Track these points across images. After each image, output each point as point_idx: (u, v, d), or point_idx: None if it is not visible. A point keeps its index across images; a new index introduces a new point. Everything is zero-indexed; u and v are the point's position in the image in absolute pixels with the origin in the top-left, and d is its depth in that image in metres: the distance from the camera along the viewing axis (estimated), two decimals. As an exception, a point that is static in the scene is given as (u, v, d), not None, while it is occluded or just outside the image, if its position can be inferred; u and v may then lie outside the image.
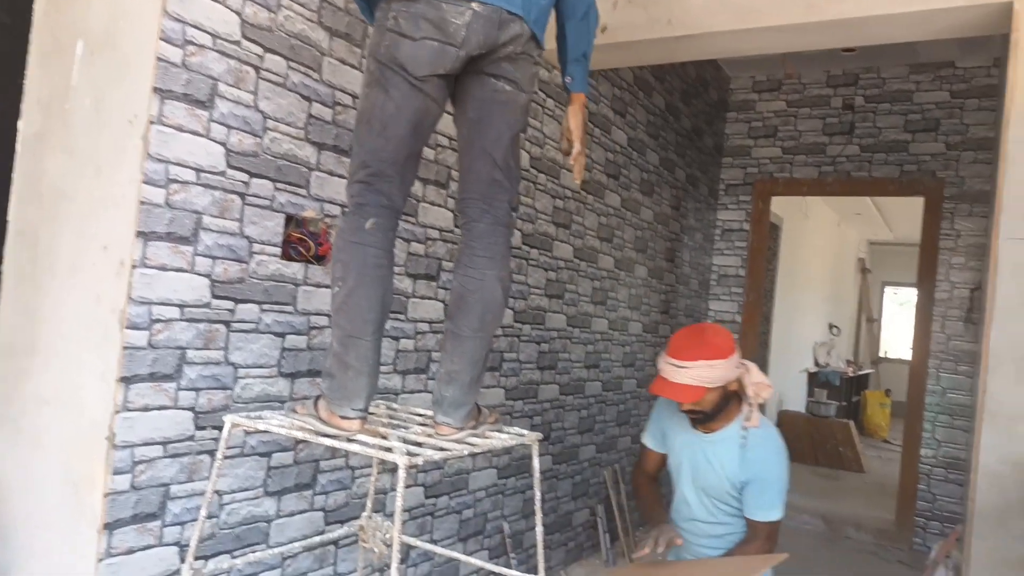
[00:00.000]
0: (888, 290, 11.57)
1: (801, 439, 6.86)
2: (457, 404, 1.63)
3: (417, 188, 2.50)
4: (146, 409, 1.73)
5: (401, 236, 2.45)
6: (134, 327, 1.69)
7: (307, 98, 2.06)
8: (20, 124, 1.87)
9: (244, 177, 1.90)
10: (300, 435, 1.55)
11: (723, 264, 5.31)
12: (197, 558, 1.84)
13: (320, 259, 2.10)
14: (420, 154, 1.64)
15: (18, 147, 1.87)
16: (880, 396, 8.72)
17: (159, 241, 1.72)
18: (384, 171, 1.54)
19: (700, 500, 2.13)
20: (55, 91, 1.82)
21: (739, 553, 2.06)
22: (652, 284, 4.40)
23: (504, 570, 1.89)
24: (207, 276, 1.83)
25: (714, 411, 2.02)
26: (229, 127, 1.85)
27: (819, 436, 6.81)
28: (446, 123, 2.21)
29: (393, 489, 2.47)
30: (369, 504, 2.05)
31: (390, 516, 2.43)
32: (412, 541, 2.03)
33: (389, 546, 2.02)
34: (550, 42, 1.84)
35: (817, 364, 8.18)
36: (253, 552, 1.95)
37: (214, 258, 1.85)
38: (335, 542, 2.26)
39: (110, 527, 1.68)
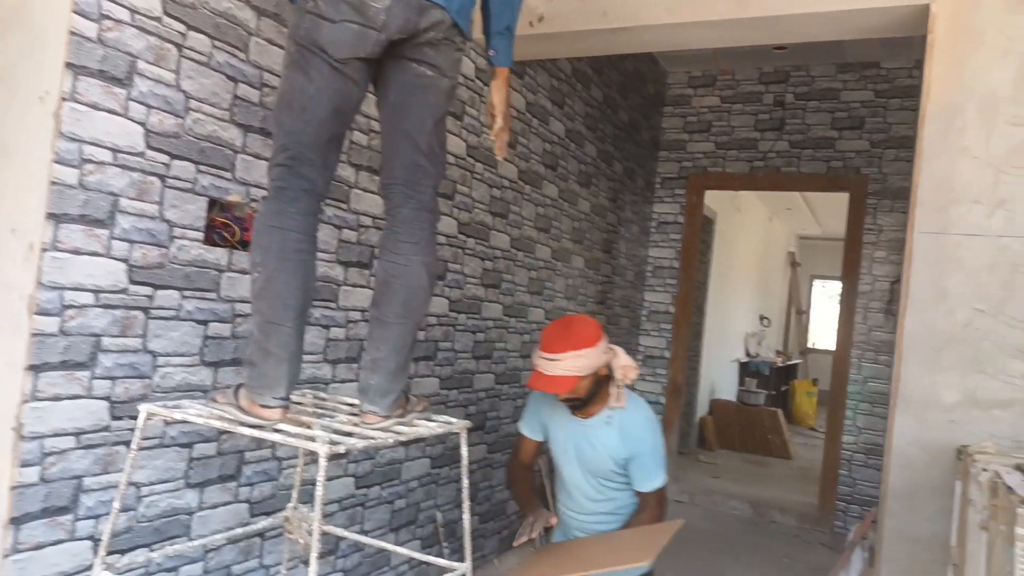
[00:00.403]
0: (817, 283, 11.98)
1: (731, 427, 7.06)
2: (383, 392, 1.61)
3: (350, 174, 2.46)
4: (57, 399, 1.66)
5: (332, 223, 2.41)
6: (44, 313, 1.61)
7: (233, 78, 1.99)
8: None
9: (164, 159, 1.83)
10: (219, 424, 1.51)
11: (658, 256, 5.40)
12: (113, 552, 1.78)
13: (245, 244, 2.05)
14: (343, 137, 1.61)
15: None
16: (808, 385, 9.04)
17: (72, 224, 1.64)
18: (305, 154, 1.51)
19: (588, 481, 2.24)
20: (-42, 64, 1.72)
21: (635, 523, 2.19)
22: (589, 275, 4.44)
23: (431, 558, 1.89)
24: (124, 261, 1.76)
25: (589, 397, 2.14)
26: (149, 106, 1.78)
27: (749, 424, 7.02)
28: (378, 108, 2.18)
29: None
30: (295, 495, 2.01)
31: (319, 507, 2.40)
32: (338, 531, 2.00)
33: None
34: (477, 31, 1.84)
35: (748, 354, 8.42)
36: (172, 545, 1.89)
37: (132, 242, 1.78)
38: (261, 534, 2.22)
39: (17, 521, 1.61)
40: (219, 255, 2.00)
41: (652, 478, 2.18)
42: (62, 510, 1.69)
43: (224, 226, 1.98)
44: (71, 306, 1.66)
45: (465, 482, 1.79)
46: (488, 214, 3.29)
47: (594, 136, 4.35)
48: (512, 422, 3.66)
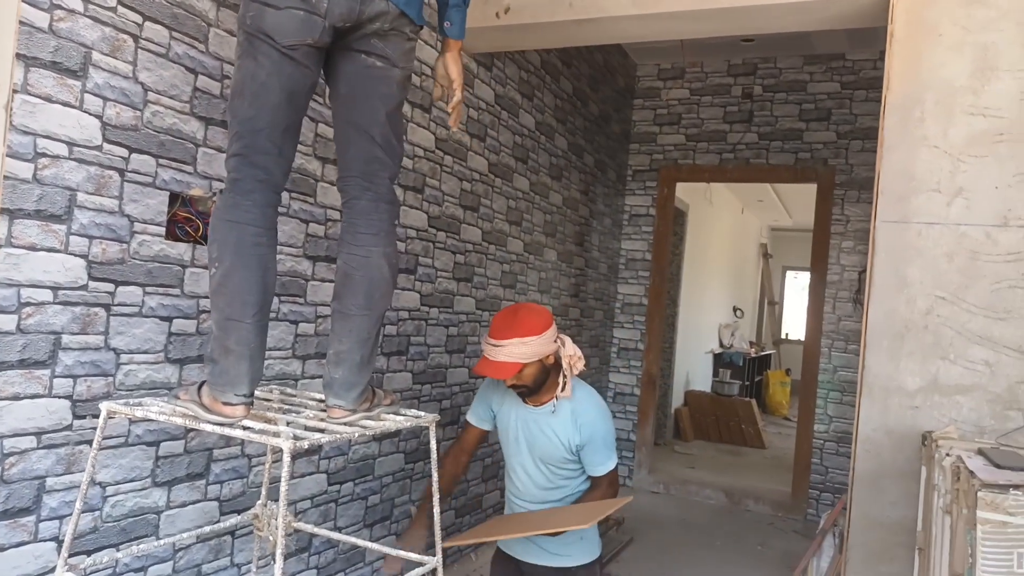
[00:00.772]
0: (789, 274, 12.13)
1: (706, 417, 7.13)
2: (348, 385, 1.60)
3: (316, 168, 2.44)
4: (16, 398, 1.63)
5: (299, 217, 2.38)
6: (1, 311, 1.58)
7: (192, 70, 1.97)
8: None
9: (123, 152, 1.80)
10: (181, 422, 1.49)
11: (631, 248, 5.43)
12: (78, 553, 1.76)
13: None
14: (298, 126, 1.59)
15: None
16: (781, 375, 9.15)
17: (27, 219, 1.61)
18: (260, 143, 1.49)
19: (539, 468, 2.27)
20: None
21: (586, 500, 2.23)
22: (562, 268, 4.45)
23: (402, 553, 1.88)
24: (83, 257, 1.73)
25: (536, 385, 2.16)
26: (105, 99, 1.75)
27: (723, 414, 7.10)
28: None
29: (292, 477, 2.42)
30: (264, 492, 1.99)
31: (288, 504, 2.38)
32: (308, 528, 1.99)
33: (287, 534, 1.98)
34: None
35: (722, 345, 8.51)
36: (139, 544, 1.86)
37: (91, 238, 1.75)
38: (231, 532, 2.20)
39: (-24, 524, 1.58)
40: (182, 250, 1.97)
41: (605, 462, 2.22)
42: (24, 511, 1.66)
43: (187, 221, 1.95)
44: (28, 303, 1.63)
45: (435, 475, 1.79)
46: (459, 207, 3.28)
47: (564, 129, 4.35)
48: (486, 416, 3.66)
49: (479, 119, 3.40)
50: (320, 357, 2.50)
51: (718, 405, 7.18)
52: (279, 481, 2.33)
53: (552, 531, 2.00)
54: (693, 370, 7.58)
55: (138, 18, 1.81)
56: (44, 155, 1.63)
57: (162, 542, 1.80)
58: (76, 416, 1.75)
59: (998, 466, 1.66)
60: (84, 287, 1.74)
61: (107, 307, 1.80)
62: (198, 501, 2.09)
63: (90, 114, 1.72)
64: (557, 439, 2.21)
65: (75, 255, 1.72)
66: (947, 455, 1.84)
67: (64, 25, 1.65)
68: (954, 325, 2.26)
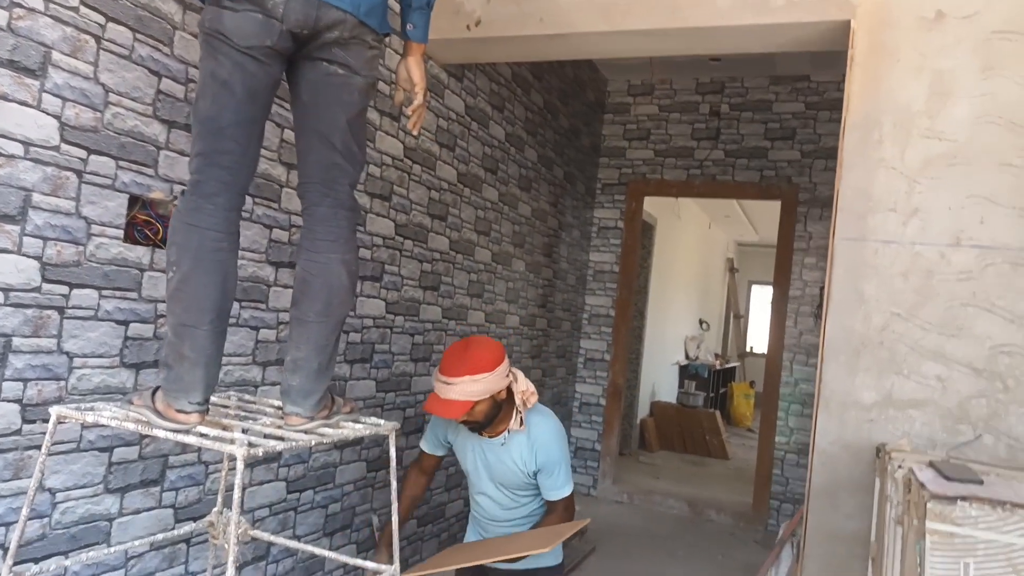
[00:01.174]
0: (755, 288, 12.30)
1: (671, 428, 7.19)
2: (305, 393, 1.59)
3: (280, 173, 2.42)
4: (-38, 401, 1.59)
5: (262, 222, 2.36)
6: (-52, 312, 1.54)
7: (156, 73, 1.94)
8: None
9: (81, 153, 1.77)
10: (133, 428, 1.46)
11: (599, 260, 5.47)
12: (24, 561, 1.71)
13: (170, 243, 1.99)
14: (262, 128, 1.58)
15: None
16: (745, 388, 9.27)
17: (-21, 219, 1.58)
18: (223, 144, 1.48)
19: (500, 491, 2.29)
20: None
21: (544, 524, 2.25)
22: (530, 278, 4.47)
23: (359, 562, 1.87)
24: (37, 258, 1.70)
25: (487, 420, 2.15)
26: (64, 99, 1.72)
27: (688, 425, 7.16)
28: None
29: (250, 484, 2.39)
30: (220, 499, 1.96)
31: (244, 512, 2.35)
32: (265, 536, 1.96)
33: (244, 543, 1.95)
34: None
35: (688, 357, 8.59)
36: (88, 552, 1.83)
37: (45, 239, 1.71)
38: (186, 540, 2.16)
39: (-83, 531, 1.53)
40: (140, 253, 1.94)
41: (560, 488, 2.23)
42: (-32, 518, 1.62)
43: (146, 224, 1.93)
44: (-22, 305, 1.59)
45: (394, 483, 1.78)
46: (426, 216, 3.28)
47: (535, 141, 4.38)
48: (450, 425, 3.65)
49: (448, 129, 3.41)
50: (280, 364, 2.48)
51: (683, 416, 7.24)
52: (240, 489, 2.31)
53: (513, 556, 2.01)
54: (659, 381, 7.64)
55: (101, 19, 1.79)
56: (-1, 154, 1.60)
57: (113, 549, 1.77)
58: (25, 420, 1.71)
59: (948, 478, 1.70)
60: (37, 289, 1.71)
61: (60, 310, 1.77)
62: (152, 508, 2.05)
63: (48, 114, 1.69)
64: (515, 466, 2.22)
65: (28, 256, 1.68)
66: (899, 467, 1.88)
67: (23, 24, 1.62)
68: (908, 341, 2.31)
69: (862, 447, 2.34)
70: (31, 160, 1.67)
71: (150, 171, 1.95)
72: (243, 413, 1.77)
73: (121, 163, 1.87)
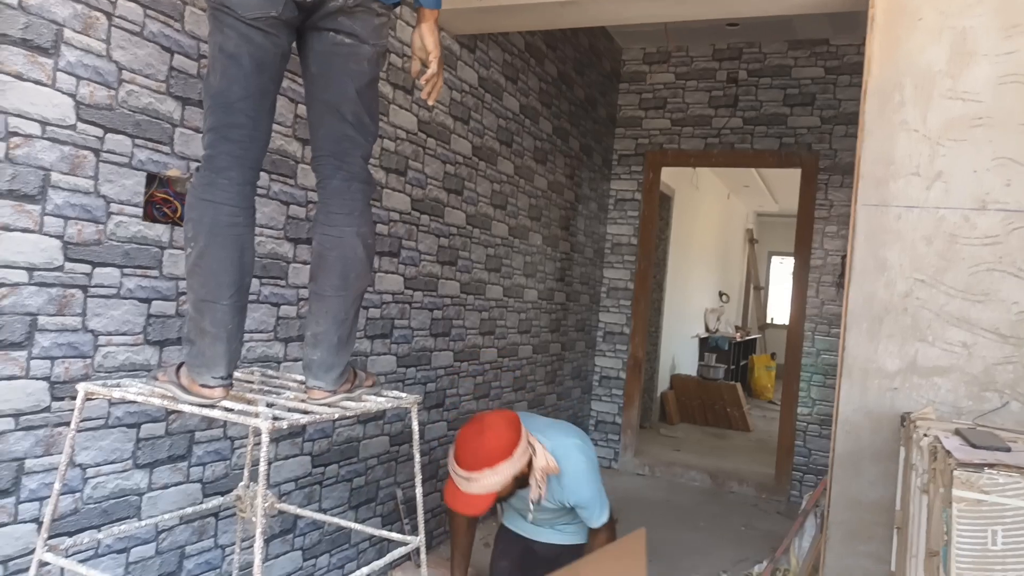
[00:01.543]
0: (775, 259, 12.18)
1: (692, 401, 7.18)
2: (327, 367, 1.60)
3: (296, 149, 2.42)
4: (-8, 380, 1.61)
5: (279, 199, 2.37)
6: (-27, 292, 1.56)
7: (168, 49, 1.94)
8: None
9: (98, 132, 1.78)
10: (159, 403, 1.49)
11: (617, 233, 5.44)
12: (59, 535, 1.75)
13: (189, 221, 2.01)
14: (274, 99, 1.57)
15: None
16: (766, 360, 9.22)
17: (0, 199, 1.59)
18: (234, 117, 1.47)
19: (539, 522, 2.37)
20: None
21: (591, 548, 2.32)
22: (547, 252, 4.45)
23: (385, 533, 1.89)
24: (58, 237, 1.72)
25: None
26: (79, 77, 1.72)
27: (708, 398, 7.15)
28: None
29: (276, 459, 2.42)
30: (246, 473, 1.99)
31: (270, 486, 2.38)
32: (291, 509, 1.99)
33: (271, 516, 1.98)
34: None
35: (707, 330, 8.55)
36: (120, 526, 1.86)
37: (66, 218, 1.73)
38: (214, 513, 2.20)
39: (-46, 506, 1.57)
40: (160, 231, 1.96)
41: (599, 517, 2.28)
42: (3, 493, 1.66)
43: (164, 202, 1.94)
44: (3, 284, 1.61)
45: (417, 456, 1.80)
46: (442, 190, 3.27)
47: (550, 112, 4.34)
48: (472, 399, 3.67)
49: (462, 101, 3.39)
50: (302, 340, 2.49)
51: (703, 389, 7.23)
52: (266, 463, 2.35)
53: None
54: (679, 354, 7.62)
55: (112, -5, 1.79)
56: (16, 134, 1.61)
57: (144, 523, 1.81)
58: (54, 398, 1.74)
59: (974, 446, 1.68)
60: (60, 268, 1.73)
61: (84, 288, 1.79)
62: (180, 483, 2.09)
63: (63, 92, 1.70)
64: (551, 505, 2.27)
65: (50, 236, 1.70)
66: (925, 435, 1.86)
67: (34, 2, 1.62)
68: (932, 307, 2.27)
69: (885, 415, 2.33)
70: (48, 139, 1.68)
71: (166, 149, 1.96)
72: (267, 388, 1.79)
73: (137, 141, 1.88)
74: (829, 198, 4.86)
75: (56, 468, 1.74)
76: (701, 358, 8.13)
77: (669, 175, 6.11)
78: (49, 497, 1.73)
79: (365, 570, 1.60)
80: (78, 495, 1.82)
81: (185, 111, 2.00)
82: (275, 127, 2.01)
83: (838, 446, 2.39)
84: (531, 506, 2.20)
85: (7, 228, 1.61)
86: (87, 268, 1.79)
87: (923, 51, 2.28)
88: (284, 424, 1.39)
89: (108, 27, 1.79)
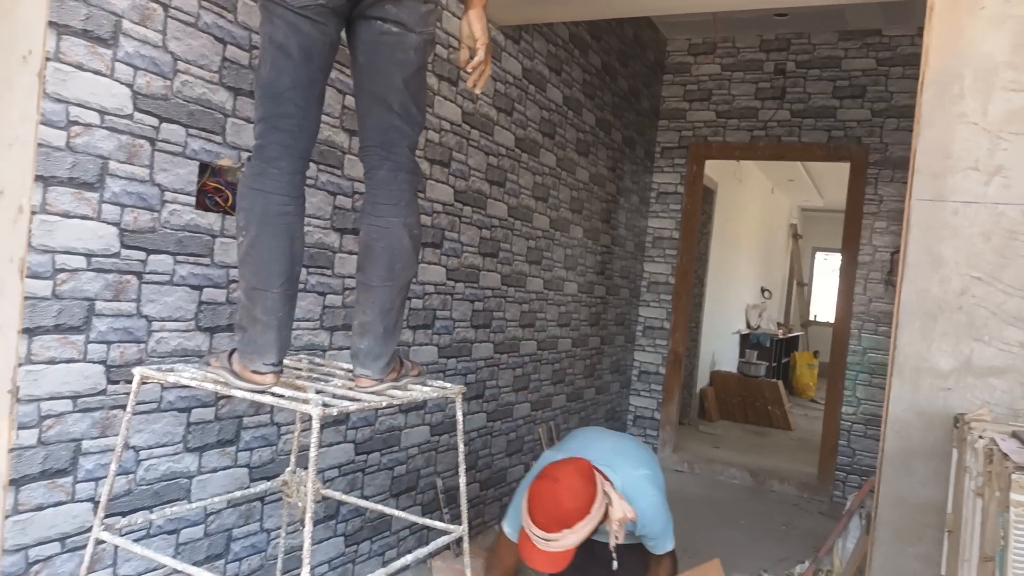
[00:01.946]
0: (819, 255, 11.95)
1: (732, 398, 7.09)
2: (374, 356, 1.61)
3: (343, 140, 2.44)
4: (52, 362, 1.66)
5: (326, 189, 2.39)
6: (36, 276, 1.61)
7: (221, 40, 1.97)
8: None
9: (153, 121, 1.82)
10: (212, 388, 1.51)
11: (658, 227, 5.38)
12: (113, 514, 1.80)
13: (239, 210, 2.04)
14: (322, 89, 1.58)
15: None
16: (808, 357, 9.06)
17: (61, 186, 1.64)
18: (283, 107, 1.49)
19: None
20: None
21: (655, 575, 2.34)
22: (588, 245, 4.43)
23: (428, 521, 1.91)
24: (115, 225, 1.76)
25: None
26: (136, 68, 1.76)
27: (749, 395, 7.05)
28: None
29: (321, 446, 2.46)
30: (293, 459, 2.02)
31: (317, 471, 2.42)
32: (336, 495, 2.02)
33: (316, 501, 2.01)
34: None
35: (749, 326, 8.43)
36: (171, 507, 1.91)
37: (123, 206, 1.77)
38: (261, 498, 2.24)
39: (16, 483, 1.62)
40: (212, 220, 1.99)
41: (665, 545, 2.30)
42: (61, 472, 1.71)
43: (216, 191, 1.97)
44: (63, 270, 1.66)
45: (461, 446, 1.80)
46: (485, 182, 3.28)
47: (593, 104, 4.31)
48: (511, 391, 3.68)
49: (506, 93, 3.38)
50: (347, 329, 2.52)
51: (744, 386, 7.13)
52: (308, 449, 2.38)
53: None
54: (719, 350, 7.53)
55: (168, -13, 1.82)
56: (76, 123, 1.65)
57: (194, 506, 1.85)
58: (110, 381, 1.79)
59: (1032, 448, 1.62)
60: (116, 255, 1.77)
61: (139, 275, 1.83)
62: (228, 467, 2.13)
63: (121, 83, 1.74)
64: (618, 540, 2.22)
65: (107, 223, 1.74)
66: (980, 437, 1.81)
67: (96, -7, 1.66)
68: (989, 306, 2.21)
69: (937, 415, 2.26)
70: (107, 128, 1.72)
71: (218, 138, 1.99)
72: (315, 375, 1.81)
73: (191, 131, 1.91)
74: (879, 193, 4.74)
75: (110, 450, 1.79)
76: (742, 355, 8.02)
77: (712, 169, 6.02)
78: (104, 478, 1.78)
79: (409, 557, 1.62)
80: (131, 476, 1.87)
81: (237, 101, 2.03)
82: (323, 118, 2.03)
83: (887, 445, 2.34)
84: (612, 546, 2.17)
85: (67, 215, 1.66)
86: (142, 255, 1.83)
87: (984, 40, 2.21)
88: (334, 410, 1.41)
89: (164, 18, 1.82)
